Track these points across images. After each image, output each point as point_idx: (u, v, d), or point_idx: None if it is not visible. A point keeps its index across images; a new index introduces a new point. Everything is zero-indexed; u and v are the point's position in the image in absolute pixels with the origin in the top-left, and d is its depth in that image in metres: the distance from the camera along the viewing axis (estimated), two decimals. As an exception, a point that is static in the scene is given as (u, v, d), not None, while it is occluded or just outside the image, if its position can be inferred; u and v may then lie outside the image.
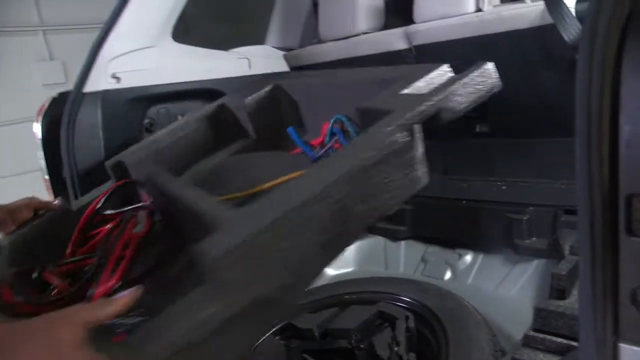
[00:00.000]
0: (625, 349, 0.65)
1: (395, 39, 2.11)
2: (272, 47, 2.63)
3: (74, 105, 1.91)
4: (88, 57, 1.98)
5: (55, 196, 2.01)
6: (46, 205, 1.40)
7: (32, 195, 1.42)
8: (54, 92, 7.13)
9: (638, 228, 0.60)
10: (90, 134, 1.93)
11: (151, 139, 1.74)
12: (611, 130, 0.60)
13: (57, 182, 2.00)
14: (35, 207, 1.38)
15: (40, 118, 2.01)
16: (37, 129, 2.02)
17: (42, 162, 2.02)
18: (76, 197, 1.89)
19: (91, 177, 1.92)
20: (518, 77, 1.90)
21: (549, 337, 1.26)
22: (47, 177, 2.04)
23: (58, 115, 1.96)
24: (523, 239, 1.85)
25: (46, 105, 2.05)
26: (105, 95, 1.96)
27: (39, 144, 2.02)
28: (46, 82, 8.44)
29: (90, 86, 1.95)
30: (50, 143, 1.99)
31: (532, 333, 1.31)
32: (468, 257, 2.07)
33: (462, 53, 1.96)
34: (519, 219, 1.86)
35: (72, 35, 8.61)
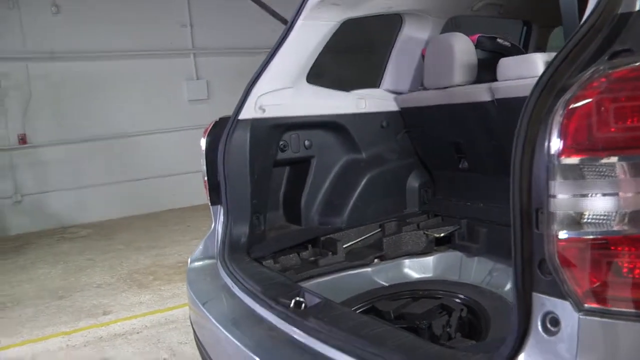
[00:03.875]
0: (535, 296, 1.15)
1: (481, 92, 2.58)
2: (385, 90, 3.21)
3: (231, 128, 2.58)
4: (243, 93, 2.66)
5: (210, 192, 2.69)
6: None
7: None
8: (197, 107, 8.26)
9: (540, 226, 1.11)
10: (240, 150, 2.58)
11: None
12: (529, 174, 1.12)
13: (212, 183, 2.68)
14: None
15: (206, 135, 2.71)
16: (202, 143, 2.73)
17: (204, 168, 2.72)
18: (226, 194, 2.55)
19: (236, 182, 2.60)
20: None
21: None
22: (206, 179, 2.73)
23: (218, 134, 2.65)
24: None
25: (210, 126, 2.75)
26: (254, 122, 2.61)
27: (203, 154, 2.71)
28: (191, 98, 9.68)
29: (244, 114, 2.61)
30: (211, 154, 2.67)
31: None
32: (527, 274, 2.50)
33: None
34: None
35: (216, 58, 9.80)
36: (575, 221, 1.02)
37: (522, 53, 2.92)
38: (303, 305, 1.80)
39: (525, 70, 2.41)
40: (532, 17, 3.78)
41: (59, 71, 8.55)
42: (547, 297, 1.12)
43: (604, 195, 1.00)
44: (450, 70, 2.74)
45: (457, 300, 2.26)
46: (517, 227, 1.15)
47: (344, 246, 2.73)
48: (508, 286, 2.52)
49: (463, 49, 2.75)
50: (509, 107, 2.51)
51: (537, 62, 2.37)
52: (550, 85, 1.17)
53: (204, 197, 2.76)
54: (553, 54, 2.39)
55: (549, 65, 1.20)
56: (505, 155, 2.67)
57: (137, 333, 4.07)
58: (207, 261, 2.57)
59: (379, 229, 2.94)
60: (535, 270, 1.14)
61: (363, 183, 2.98)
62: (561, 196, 1.03)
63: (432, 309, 2.20)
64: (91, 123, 8.80)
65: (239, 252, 2.45)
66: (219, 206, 2.63)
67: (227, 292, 2.12)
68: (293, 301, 1.81)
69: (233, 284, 2.12)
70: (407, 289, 2.47)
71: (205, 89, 9.85)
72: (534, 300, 1.15)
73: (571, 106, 1.03)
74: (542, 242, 1.10)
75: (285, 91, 2.72)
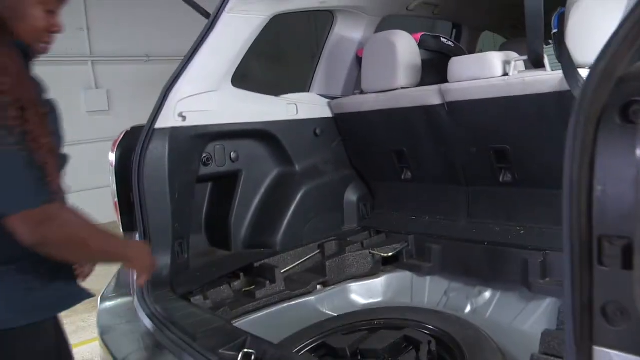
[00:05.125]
0: (597, 351, 0.87)
1: (430, 95, 2.35)
2: (317, 94, 2.90)
3: (146, 139, 2.18)
4: (159, 98, 2.26)
5: (122, 216, 2.27)
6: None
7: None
8: (97, 119, 7.52)
9: (606, 260, 0.83)
10: (158, 165, 2.18)
11: None
12: (588, 190, 0.84)
13: (124, 205, 2.26)
14: None
15: (115, 148, 2.29)
16: (111, 157, 2.30)
17: (114, 187, 2.29)
18: (142, 217, 2.14)
19: (154, 203, 2.19)
20: (538, 135, 2.13)
21: (551, 358, 1.47)
22: (116, 200, 2.30)
23: (129, 147, 2.24)
24: (537, 279, 2.06)
25: (120, 137, 2.33)
26: (173, 132, 2.22)
27: (112, 170, 2.28)
28: (90, 109, 8.91)
29: (160, 123, 2.21)
30: (121, 170, 2.25)
31: (537, 354, 1.52)
32: (487, 294, 2.27)
33: (489, 111, 2.20)
34: (535, 260, 2.07)
35: (117, 66, 9.09)
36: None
37: (465, 54, 2.72)
38: (253, 358, 1.45)
39: (480, 70, 2.19)
40: (463, 19, 3.63)
41: None
42: (617, 352, 0.84)
43: None
44: (393, 72, 2.50)
45: (423, 330, 1.97)
46: (574, 261, 0.86)
47: (282, 271, 2.39)
48: (468, 308, 2.28)
49: (407, 48, 2.51)
50: (461, 110, 2.29)
51: (494, 62, 2.16)
52: (607, 75, 0.89)
53: (107, 214, 2.34)
54: (510, 53, 2.23)
55: (603, 51, 0.92)
56: (455, 163, 2.46)
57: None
58: (122, 299, 2.14)
59: (318, 250, 2.63)
60: (597, 318, 0.86)
61: (298, 199, 2.65)
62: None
63: (396, 343, 1.90)
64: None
65: (162, 288, 2.04)
66: (133, 233, 2.21)
67: (153, 343, 1.71)
68: (240, 354, 1.45)
69: (159, 330, 1.72)
70: (360, 319, 2.16)
71: (105, 99, 9.08)
72: (595, 356, 0.86)
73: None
74: (610, 281, 0.82)
75: (208, 95, 2.35)
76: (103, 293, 2.21)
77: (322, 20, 3.02)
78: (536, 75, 2.02)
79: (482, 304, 2.25)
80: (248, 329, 1.86)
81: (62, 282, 1.44)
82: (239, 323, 2.06)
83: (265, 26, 2.50)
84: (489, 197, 2.41)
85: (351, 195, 2.88)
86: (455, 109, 2.30)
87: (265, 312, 2.21)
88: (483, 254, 2.32)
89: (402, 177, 2.71)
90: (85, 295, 1.51)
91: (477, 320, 2.09)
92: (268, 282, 2.30)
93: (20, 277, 1.34)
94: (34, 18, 1.30)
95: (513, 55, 2.17)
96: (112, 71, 9.10)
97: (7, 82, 1.18)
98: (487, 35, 4.25)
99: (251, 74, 3.29)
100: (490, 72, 2.16)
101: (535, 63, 2.03)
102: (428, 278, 2.48)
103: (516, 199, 2.32)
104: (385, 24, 3.04)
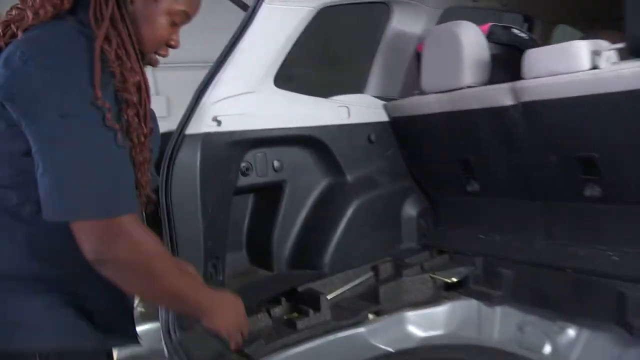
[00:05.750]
0: None
1: (501, 94, 2.02)
2: (372, 95, 2.61)
3: (175, 146, 1.94)
4: (192, 100, 2.01)
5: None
6: None
7: None
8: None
9: None
10: (188, 175, 1.93)
11: None
12: None
13: (152, 218, 2.03)
14: None
15: (143, 156, 2.06)
16: (138, 167, 2.08)
17: (141, 199, 2.07)
18: (170, 234, 1.90)
19: (184, 218, 1.95)
20: (635, 140, 1.77)
21: None
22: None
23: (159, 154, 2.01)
24: (638, 318, 1.69)
25: (148, 144, 2.10)
26: (206, 138, 1.97)
27: (140, 181, 2.06)
28: (151, 116, 8.93)
29: (192, 128, 1.97)
30: None
31: None
32: (571, 332, 1.90)
33: (574, 112, 1.85)
34: (635, 295, 1.70)
35: (177, 73, 9.06)
36: None
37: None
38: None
39: (563, 63, 1.84)
40: (535, 11, 3.25)
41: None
42: None
43: None
44: (458, 69, 2.18)
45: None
46: None
47: (329, 297, 2.10)
48: (548, 348, 1.92)
49: (473, 41, 2.19)
50: (539, 112, 1.95)
51: (581, 53, 1.79)
52: None
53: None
54: (600, 42, 1.86)
55: None
56: (530, 174, 2.12)
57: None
58: (149, 325, 1.92)
59: (372, 273, 2.32)
60: None
61: (349, 214, 2.37)
62: None
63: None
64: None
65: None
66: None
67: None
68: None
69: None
70: (418, 356, 1.85)
71: (165, 106, 9.09)
72: None
73: None
74: None
75: (247, 97, 2.09)
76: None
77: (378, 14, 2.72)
78: (635, 66, 1.66)
79: (565, 343, 1.89)
80: (284, 369, 1.59)
81: (123, 314, 1.29)
82: (276, 359, 1.79)
83: (315, 21, 2.24)
84: (572, 215, 2.06)
85: (410, 210, 2.58)
86: (532, 110, 1.96)
87: (307, 345, 1.92)
88: (565, 283, 1.97)
89: (468, 189, 2.38)
90: (136, 341, 1.31)
91: (560, 365, 1.75)
92: (312, 310, 2.01)
93: (83, 296, 1.18)
94: (159, 26, 1.24)
95: (604, 44, 1.80)
96: (172, 77, 9.08)
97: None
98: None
99: (299, 74, 3.01)
100: (576, 65, 1.80)
101: (636, 51, 1.67)
102: (498, 309, 2.14)
103: (606, 218, 1.96)
104: (447, 17, 2.72)
